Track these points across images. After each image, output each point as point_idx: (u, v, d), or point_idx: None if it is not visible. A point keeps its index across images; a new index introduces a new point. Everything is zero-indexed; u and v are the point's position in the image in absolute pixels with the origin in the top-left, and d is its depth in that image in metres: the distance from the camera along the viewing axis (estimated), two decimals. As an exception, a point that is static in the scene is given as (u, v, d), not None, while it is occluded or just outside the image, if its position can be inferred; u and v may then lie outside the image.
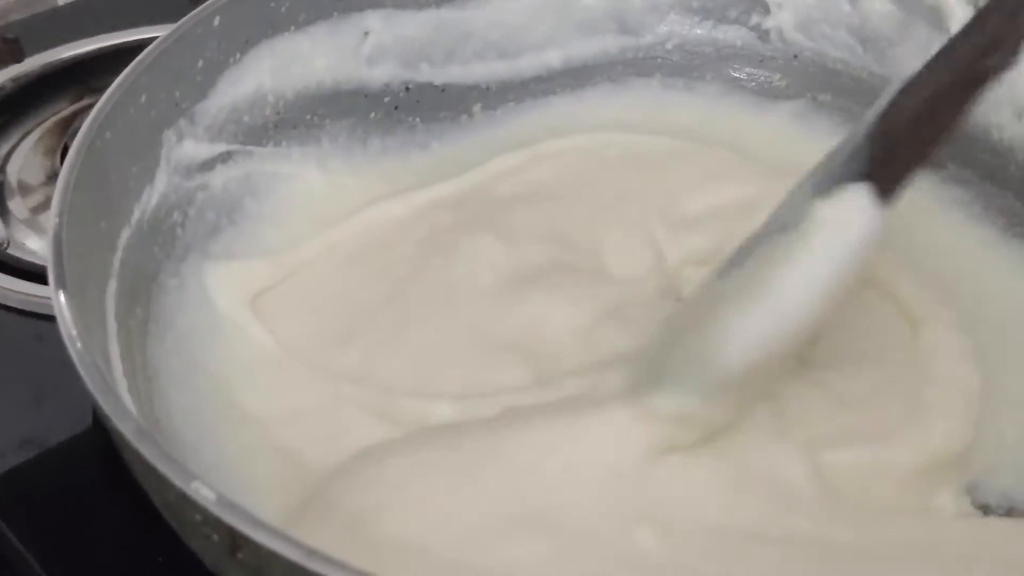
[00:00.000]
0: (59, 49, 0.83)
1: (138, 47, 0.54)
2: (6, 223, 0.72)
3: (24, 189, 0.74)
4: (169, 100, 0.55)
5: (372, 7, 0.63)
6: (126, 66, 0.53)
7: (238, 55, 0.58)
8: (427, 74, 0.66)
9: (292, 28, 0.60)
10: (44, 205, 0.73)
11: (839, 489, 0.47)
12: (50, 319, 0.62)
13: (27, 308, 0.65)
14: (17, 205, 0.73)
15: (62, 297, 0.43)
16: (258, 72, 0.59)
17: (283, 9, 0.60)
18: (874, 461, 0.49)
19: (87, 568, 0.54)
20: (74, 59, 0.83)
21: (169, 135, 0.55)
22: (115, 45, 0.84)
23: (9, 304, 0.66)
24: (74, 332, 0.42)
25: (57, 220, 0.45)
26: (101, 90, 0.78)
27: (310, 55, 0.62)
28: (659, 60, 0.70)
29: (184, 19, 0.56)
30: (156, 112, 0.54)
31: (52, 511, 0.56)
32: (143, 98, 0.53)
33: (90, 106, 0.78)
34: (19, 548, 0.54)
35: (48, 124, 0.79)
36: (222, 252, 0.58)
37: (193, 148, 0.56)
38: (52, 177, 0.75)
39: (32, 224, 0.72)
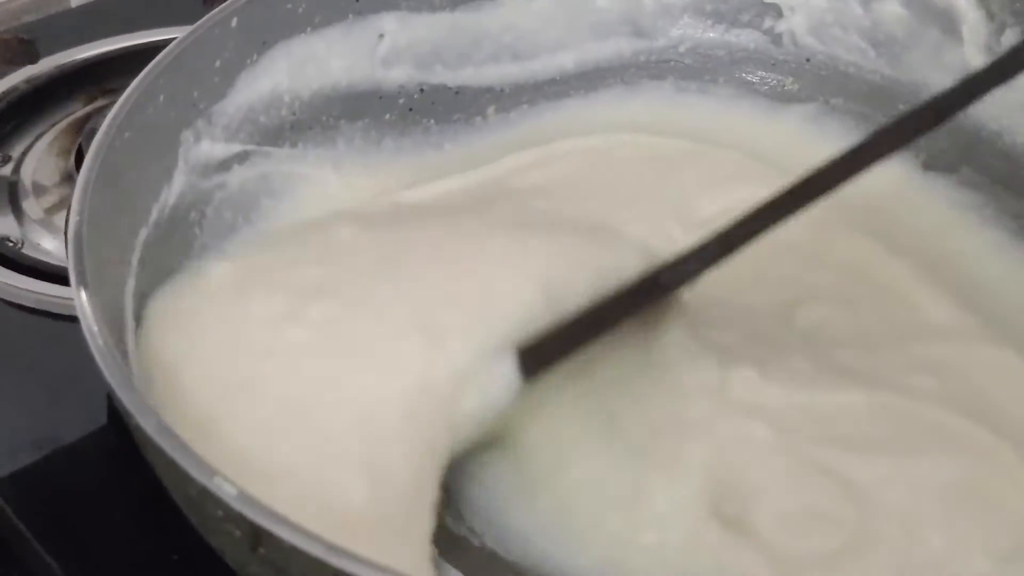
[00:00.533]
0: (73, 51, 0.83)
1: (151, 49, 0.54)
2: (20, 223, 0.72)
3: (38, 190, 0.75)
4: (187, 100, 0.55)
5: (387, 9, 0.63)
6: (140, 67, 0.53)
7: (255, 56, 0.59)
8: (441, 76, 0.66)
9: (308, 30, 0.61)
10: (58, 205, 0.73)
11: None
12: (64, 318, 0.64)
13: (41, 307, 0.66)
14: (31, 205, 0.73)
15: (83, 295, 0.43)
16: (274, 73, 0.60)
17: (300, 11, 0.60)
18: None
19: (102, 565, 0.54)
20: (88, 60, 0.83)
21: (187, 135, 0.55)
22: (129, 47, 0.84)
23: (23, 303, 0.66)
24: (95, 329, 0.42)
25: (77, 219, 0.46)
26: (115, 91, 0.80)
27: (326, 56, 0.62)
28: (672, 63, 0.70)
29: (202, 20, 0.56)
30: (174, 112, 0.54)
31: (67, 509, 0.56)
32: (161, 98, 0.53)
33: (104, 107, 0.79)
34: (34, 545, 0.54)
35: (62, 125, 0.79)
36: (239, 251, 0.58)
37: (210, 148, 0.57)
38: (66, 178, 0.75)
39: (46, 224, 0.72)
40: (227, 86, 0.57)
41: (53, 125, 0.80)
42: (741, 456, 0.48)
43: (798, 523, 0.47)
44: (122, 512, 0.56)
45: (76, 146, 0.77)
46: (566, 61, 0.69)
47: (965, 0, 0.63)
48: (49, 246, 0.71)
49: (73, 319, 0.62)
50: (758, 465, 0.48)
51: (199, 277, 0.52)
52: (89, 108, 0.81)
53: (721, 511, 0.47)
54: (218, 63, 0.57)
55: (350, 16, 0.62)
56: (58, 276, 0.66)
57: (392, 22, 0.64)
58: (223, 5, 0.57)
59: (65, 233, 0.63)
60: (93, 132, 0.73)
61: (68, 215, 0.58)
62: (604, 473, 0.49)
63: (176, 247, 0.55)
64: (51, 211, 0.73)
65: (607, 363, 0.52)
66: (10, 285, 0.66)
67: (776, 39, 0.70)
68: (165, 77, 0.53)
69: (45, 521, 0.55)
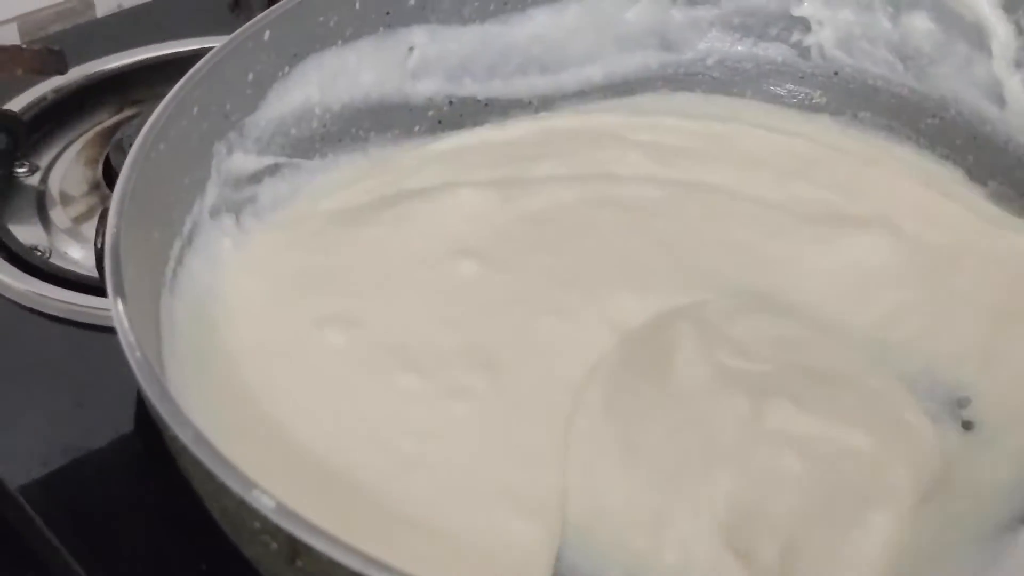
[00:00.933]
0: (100, 61, 0.84)
1: (179, 59, 0.55)
2: (48, 232, 0.72)
3: (65, 199, 0.75)
4: (220, 112, 0.55)
5: (418, 22, 0.64)
6: (168, 77, 0.53)
7: (287, 68, 0.59)
8: (470, 89, 0.67)
9: (339, 42, 0.61)
10: (86, 215, 0.73)
11: None
12: (90, 327, 0.64)
13: (68, 316, 0.66)
14: (59, 215, 0.73)
15: (121, 306, 0.43)
16: (306, 85, 0.60)
17: (331, 23, 0.60)
18: None
19: (129, 573, 0.54)
20: (115, 71, 0.83)
21: (219, 147, 0.55)
22: (156, 57, 0.84)
23: (50, 312, 0.66)
24: (133, 340, 0.42)
25: (114, 230, 0.46)
26: (142, 102, 0.81)
27: (356, 69, 0.62)
28: (700, 76, 0.71)
29: (235, 33, 0.56)
30: (207, 124, 0.54)
31: (94, 515, 0.56)
32: (195, 110, 0.53)
33: (132, 117, 0.80)
34: (62, 552, 0.54)
35: (90, 135, 0.80)
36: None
37: (243, 160, 0.57)
38: (94, 187, 0.75)
39: (74, 234, 0.72)
40: (259, 99, 0.58)
41: (81, 135, 0.80)
42: (771, 488, 0.48)
43: (826, 561, 0.46)
44: (149, 519, 0.56)
45: (104, 156, 0.77)
46: (594, 74, 0.69)
47: (994, 14, 0.63)
48: (76, 255, 0.71)
49: (99, 328, 0.63)
50: (789, 498, 0.47)
51: None
52: (117, 118, 0.81)
53: (744, 542, 0.47)
54: (251, 76, 0.57)
55: (381, 29, 0.62)
56: (85, 285, 0.66)
57: (422, 35, 0.64)
58: (256, 18, 0.57)
59: (95, 243, 0.63)
60: (121, 142, 0.74)
61: (97, 225, 0.58)
62: (626, 499, 0.48)
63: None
64: (79, 220, 0.73)
65: (629, 396, 0.52)
66: (38, 294, 0.66)
67: (804, 52, 0.70)
68: (199, 89, 0.53)
69: (72, 528, 0.56)
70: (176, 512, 0.55)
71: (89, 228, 0.72)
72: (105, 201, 0.72)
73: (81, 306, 0.65)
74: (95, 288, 0.65)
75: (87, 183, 0.76)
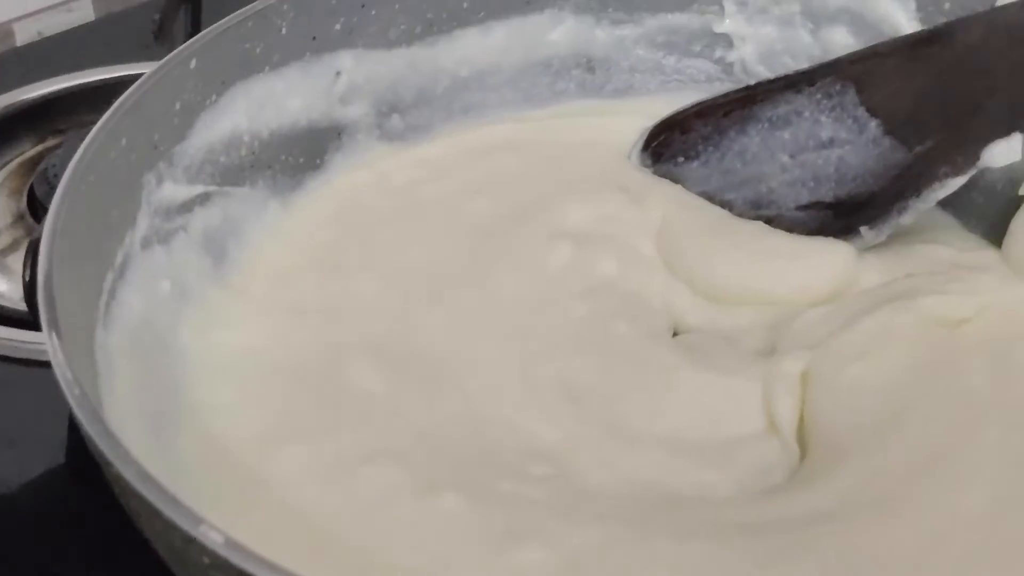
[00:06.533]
0: (21, 90, 0.83)
1: (100, 87, 0.54)
2: (-27, 266, 0.71)
3: (-10, 231, 0.74)
4: (148, 143, 0.55)
5: (344, 47, 0.63)
6: (89, 105, 0.54)
7: (214, 96, 0.58)
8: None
9: (266, 69, 0.61)
10: (11, 247, 0.73)
11: None
12: (16, 362, 0.63)
13: (-7, 351, 0.65)
14: (-17, 248, 0.73)
15: (56, 342, 0.43)
16: (233, 113, 0.59)
17: (257, 51, 0.60)
18: None
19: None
20: (36, 100, 0.82)
21: (149, 178, 0.55)
22: (78, 85, 0.83)
23: (-25, 347, 0.65)
24: (70, 376, 0.42)
25: (47, 264, 0.45)
26: (64, 130, 0.80)
27: (284, 95, 0.62)
28: (627, 91, 0.71)
29: (162, 62, 0.56)
30: (136, 155, 0.54)
31: (29, 554, 0.56)
32: (123, 141, 0.52)
33: (55, 147, 0.79)
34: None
35: (12, 166, 0.79)
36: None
37: (172, 190, 0.56)
38: (19, 219, 0.74)
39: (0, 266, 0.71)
40: (187, 128, 0.57)
41: (3, 166, 0.79)
42: None
43: None
44: (86, 555, 0.56)
45: (28, 186, 0.76)
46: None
47: (911, 27, 0.64)
48: (2, 288, 0.70)
49: (27, 362, 0.62)
50: None
51: None
52: (40, 147, 0.80)
53: None
54: (178, 105, 0.56)
55: (307, 55, 0.62)
56: (11, 319, 0.65)
57: (349, 60, 0.64)
58: (183, 46, 0.57)
59: (23, 276, 0.62)
60: (45, 172, 0.74)
61: (24, 257, 0.58)
62: None
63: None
64: (4, 252, 0.72)
65: None
66: (-37, 329, 0.65)
67: (727, 68, 0.71)
68: (127, 120, 0.53)
69: (7, 567, 0.55)
70: (113, 547, 0.54)
71: (15, 260, 0.71)
72: (30, 232, 0.71)
73: (8, 340, 0.64)
74: (22, 321, 0.64)
75: (11, 214, 0.75)
